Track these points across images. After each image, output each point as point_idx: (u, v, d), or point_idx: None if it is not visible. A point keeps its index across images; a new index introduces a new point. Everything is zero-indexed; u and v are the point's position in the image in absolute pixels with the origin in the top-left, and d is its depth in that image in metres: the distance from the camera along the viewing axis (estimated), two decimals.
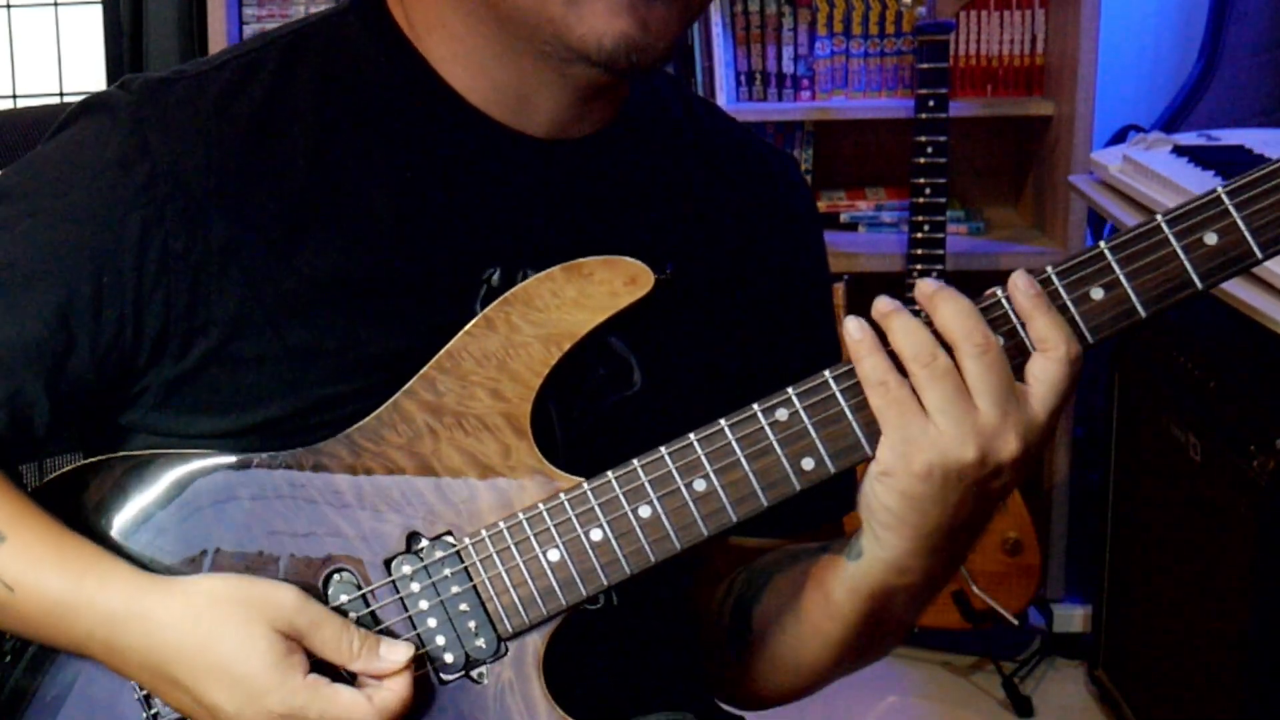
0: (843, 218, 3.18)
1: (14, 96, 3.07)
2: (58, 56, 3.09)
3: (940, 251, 2.79)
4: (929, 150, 2.76)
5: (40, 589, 1.04)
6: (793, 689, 1.18)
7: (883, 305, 0.99)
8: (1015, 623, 2.86)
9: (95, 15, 3.06)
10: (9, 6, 3.07)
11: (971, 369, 0.96)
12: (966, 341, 0.97)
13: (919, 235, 2.80)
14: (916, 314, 0.99)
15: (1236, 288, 2.00)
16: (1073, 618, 3.06)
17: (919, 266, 2.80)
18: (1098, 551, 2.80)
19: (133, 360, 1.07)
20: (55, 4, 3.07)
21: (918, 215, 2.80)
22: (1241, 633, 2.21)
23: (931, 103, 2.75)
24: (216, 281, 1.05)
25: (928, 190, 2.78)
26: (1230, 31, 3.09)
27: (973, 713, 2.90)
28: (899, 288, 2.78)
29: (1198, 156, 2.46)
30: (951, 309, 0.97)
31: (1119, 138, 3.07)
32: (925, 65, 2.75)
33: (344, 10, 1.15)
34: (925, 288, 0.99)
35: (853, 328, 0.99)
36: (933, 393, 0.96)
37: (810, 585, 1.09)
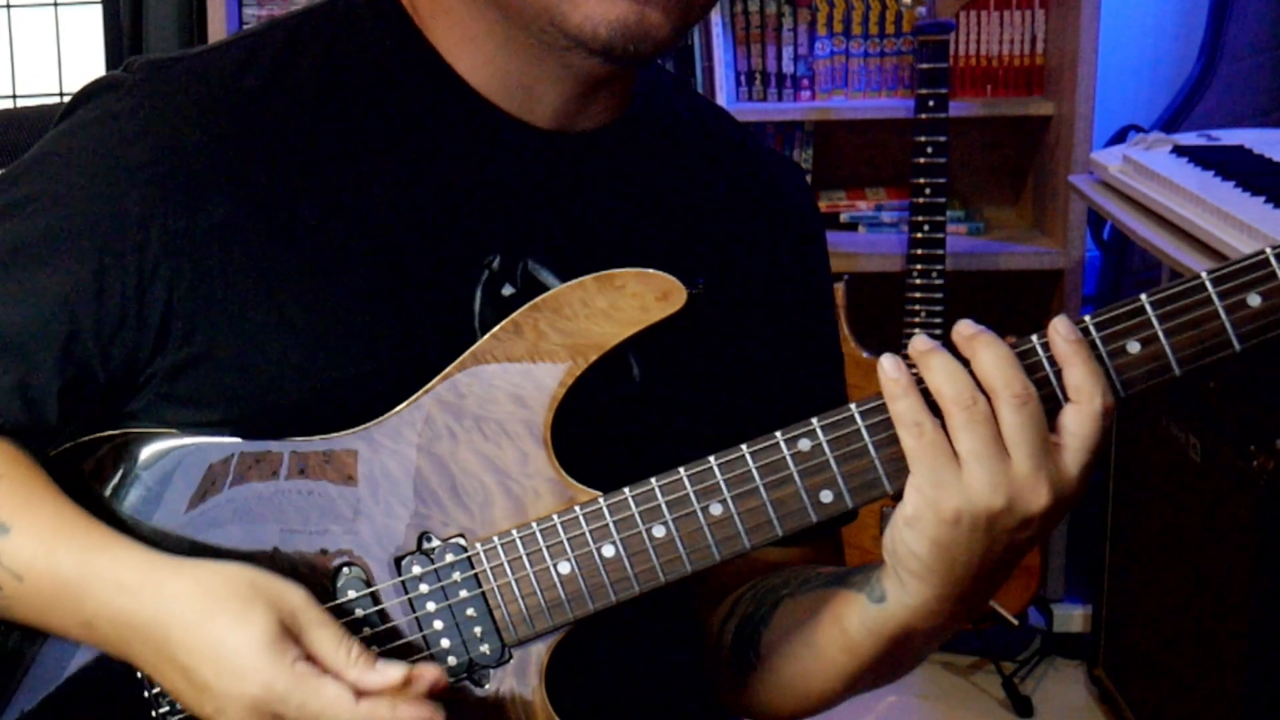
0: (843, 218, 3.18)
1: (14, 96, 3.08)
2: (58, 56, 3.09)
3: (940, 251, 2.79)
4: (929, 150, 2.76)
5: (50, 572, 1.03)
6: (797, 711, 1.17)
7: (922, 344, 0.97)
8: (1015, 623, 2.85)
9: (95, 15, 3.06)
10: (9, 6, 3.07)
11: (1009, 419, 0.95)
12: (1006, 390, 0.95)
13: (919, 235, 2.79)
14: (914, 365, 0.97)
15: None
16: (1073, 618, 3.06)
17: (919, 266, 2.79)
18: (1098, 551, 2.80)
19: (138, 345, 1.06)
20: (55, 4, 3.07)
21: (918, 215, 2.80)
22: (1241, 632, 2.21)
23: (931, 103, 2.75)
24: (218, 261, 1.04)
25: (928, 190, 2.78)
26: (1230, 31, 3.09)
27: (973, 713, 2.90)
28: (899, 288, 2.79)
29: (1198, 156, 2.46)
30: (992, 355, 0.95)
31: (1119, 138, 3.07)
32: (925, 65, 2.75)
33: None
34: (965, 330, 0.96)
35: (889, 366, 0.96)
36: (968, 438, 0.95)
37: (826, 619, 1.07)
